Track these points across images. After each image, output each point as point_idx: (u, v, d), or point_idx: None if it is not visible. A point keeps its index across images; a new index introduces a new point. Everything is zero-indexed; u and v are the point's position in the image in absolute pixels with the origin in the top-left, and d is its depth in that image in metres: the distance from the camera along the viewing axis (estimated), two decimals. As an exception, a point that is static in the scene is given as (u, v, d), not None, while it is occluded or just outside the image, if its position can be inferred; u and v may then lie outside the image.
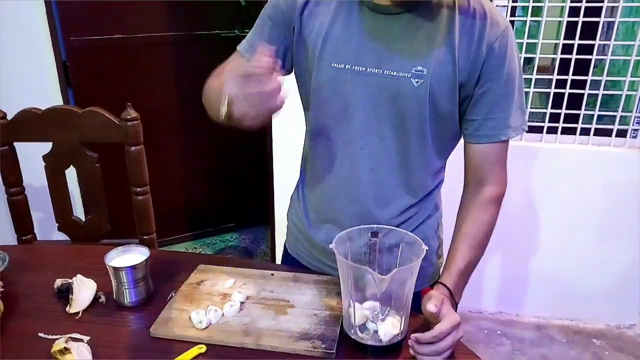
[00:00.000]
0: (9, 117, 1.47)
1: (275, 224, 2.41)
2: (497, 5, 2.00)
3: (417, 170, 1.00)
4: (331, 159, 1.01)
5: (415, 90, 0.91)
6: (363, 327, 0.87)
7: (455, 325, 0.83)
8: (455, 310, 0.93)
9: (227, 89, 0.75)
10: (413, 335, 0.83)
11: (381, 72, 0.91)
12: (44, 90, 2.26)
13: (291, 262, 1.18)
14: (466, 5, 0.90)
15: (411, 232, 1.00)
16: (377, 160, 0.98)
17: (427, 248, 0.86)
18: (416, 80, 0.90)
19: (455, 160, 1.06)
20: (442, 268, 1.02)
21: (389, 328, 0.85)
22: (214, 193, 2.94)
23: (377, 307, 0.88)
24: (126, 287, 0.97)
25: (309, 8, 0.95)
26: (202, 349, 0.86)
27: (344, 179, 1.01)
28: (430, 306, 0.82)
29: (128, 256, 1.01)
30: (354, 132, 0.97)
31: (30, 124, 1.47)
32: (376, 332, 0.86)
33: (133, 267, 0.96)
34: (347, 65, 0.93)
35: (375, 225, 0.95)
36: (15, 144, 1.50)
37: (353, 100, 0.95)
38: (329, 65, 0.94)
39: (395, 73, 0.91)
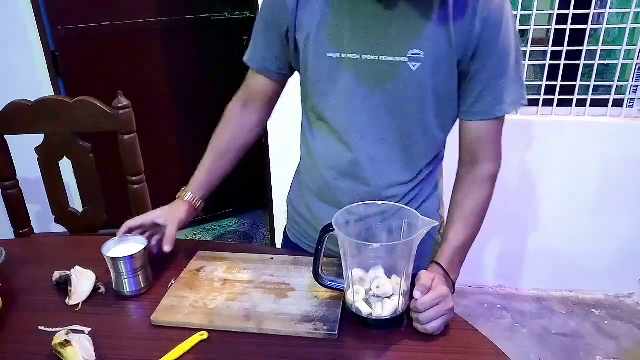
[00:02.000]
0: (-1, 110, 1.45)
1: (274, 208, 2.41)
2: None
3: (419, 153, 1.00)
4: (332, 148, 1.01)
5: (413, 75, 0.89)
6: (365, 302, 0.87)
7: (439, 296, 0.84)
8: (453, 289, 0.94)
9: None
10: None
11: (377, 58, 0.90)
12: (34, 81, 2.23)
13: (292, 248, 1.18)
14: None
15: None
16: (378, 148, 0.97)
17: (437, 223, 0.85)
18: (413, 64, 0.89)
19: (455, 139, 1.05)
20: None
21: (390, 302, 0.85)
22: (211, 179, 2.92)
23: (379, 280, 0.87)
24: (125, 277, 0.96)
25: (301, 3, 0.93)
26: (204, 335, 0.86)
27: (346, 168, 1.00)
28: (415, 293, 0.84)
29: (126, 246, 1.01)
30: (354, 122, 0.96)
31: (21, 116, 1.45)
32: (378, 303, 0.86)
33: (131, 257, 0.95)
34: (342, 54, 0.92)
35: (377, 202, 0.95)
36: (6, 136, 1.48)
37: (351, 88, 0.94)
38: (324, 55, 0.93)
39: (391, 58, 0.89)
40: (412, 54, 0.88)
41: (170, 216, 1.05)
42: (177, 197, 1.10)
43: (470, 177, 1.00)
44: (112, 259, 0.96)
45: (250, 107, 1.11)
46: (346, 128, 0.97)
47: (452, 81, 0.93)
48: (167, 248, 1.00)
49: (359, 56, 0.91)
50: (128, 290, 0.98)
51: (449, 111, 0.97)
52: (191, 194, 1.09)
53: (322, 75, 0.95)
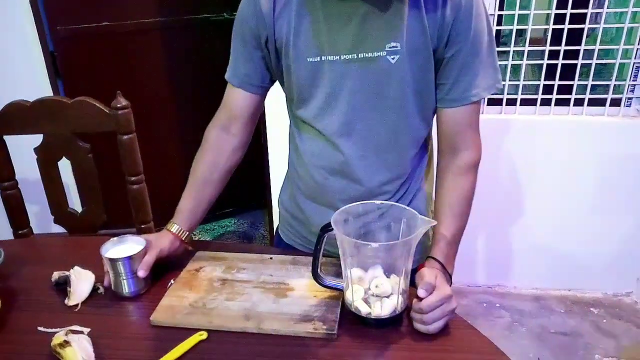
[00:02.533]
0: (-3, 111, 1.45)
1: (273, 208, 2.41)
2: (487, -23, 1.97)
3: (407, 147, 1.01)
4: (321, 149, 1.01)
5: (393, 67, 0.91)
6: (364, 302, 0.87)
7: (444, 297, 0.84)
8: (451, 280, 0.94)
9: None
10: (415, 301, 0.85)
11: (356, 56, 0.91)
12: (33, 82, 2.23)
13: (285, 248, 1.18)
14: None
15: None
16: (366, 146, 0.98)
17: (435, 222, 0.86)
18: (392, 57, 0.90)
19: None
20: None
21: (389, 301, 0.86)
22: (210, 179, 2.91)
23: (378, 280, 0.88)
24: (124, 277, 0.96)
25: (277, 11, 0.94)
26: (203, 335, 0.86)
27: (335, 168, 1.01)
28: (420, 291, 0.84)
29: (124, 246, 1.01)
30: (341, 122, 0.97)
31: (20, 116, 1.45)
32: (377, 302, 0.86)
33: (130, 258, 0.95)
34: (322, 57, 0.92)
35: (375, 201, 0.95)
36: (5, 137, 1.48)
37: (335, 90, 0.94)
38: (305, 61, 0.94)
39: (370, 54, 0.90)
40: (390, 47, 0.90)
41: (153, 242, 1.02)
42: (165, 227, 1.08)
43: (453, 168, 1.01)
44: (111, 260, 0.95)
45: (231, 128, 1.08)
46: (333, 129, 0.98)
47: (430, 71, 0.94)
48: (141, 273, 0.97)
49: (338, 57, 0.92)
50: (127, 291, 0.98)
51: (429, 102, 0.98)
52: (177, 226, 1.06)
53: (305, 80, 0.96)
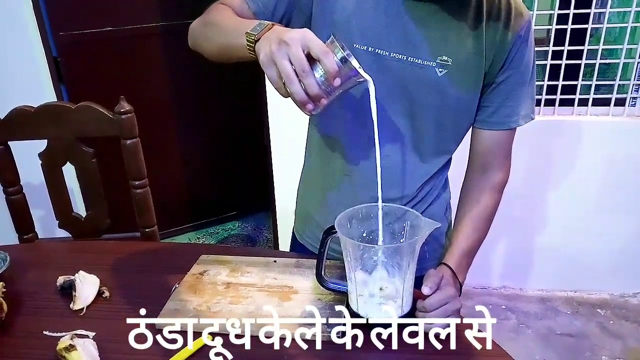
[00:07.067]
0: (2, 116, 1.45)
1: (277, 211, 2.40)
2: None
3: (430, 156, 1.00)
4: (344, 144, 1.00)
5: (438, 80, 0.90)
6: (368, 304, 0.87)
7: (448, 296, 0.84)
8: (460, 291, 0.94)
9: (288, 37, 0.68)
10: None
11: (405, 58, 0.89)
12: (36, 88, 2.23)
13: (300, 249, 1.17)
14: None
15: (420, 213, 0.99)
16: (391, 147, 0.97)
17: (439, 225, 0.85)
18: (440, 70, 0.89)
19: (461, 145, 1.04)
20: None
21: (393, 304, 0.85)
22: (214, 182, 2.93)
23: (382, 283, 0.87)
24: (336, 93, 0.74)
25: None
26: (208, 339, 0.86)
27: (357, 165, 1.00)
28: (424, 289, 0.84)
29: None
30: (369, 117, 0.95)
31: (24, 121, 1.46)
32: (381, 305, 0.86)
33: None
34: (369, 48, 0.90)
35: (383, 204, 0.93)
36: (10, 142, 1.49)
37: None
38: (351, 46, 0.89)
39: (419, 61, 0.89)
40: (441, 60, 0.89)
41: None
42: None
43: (481, 184, 1.02)
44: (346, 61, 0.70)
45: None
46: (360, 124, 0.95)
47: (475, 93, 0.94)
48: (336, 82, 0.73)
49: (387, 53, 0.89)
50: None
51: (466, 119, 0.98)
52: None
53: None
